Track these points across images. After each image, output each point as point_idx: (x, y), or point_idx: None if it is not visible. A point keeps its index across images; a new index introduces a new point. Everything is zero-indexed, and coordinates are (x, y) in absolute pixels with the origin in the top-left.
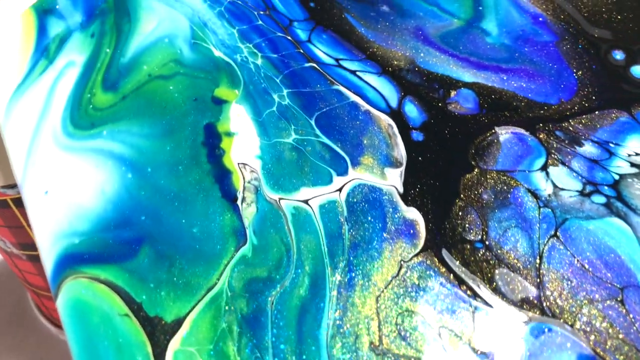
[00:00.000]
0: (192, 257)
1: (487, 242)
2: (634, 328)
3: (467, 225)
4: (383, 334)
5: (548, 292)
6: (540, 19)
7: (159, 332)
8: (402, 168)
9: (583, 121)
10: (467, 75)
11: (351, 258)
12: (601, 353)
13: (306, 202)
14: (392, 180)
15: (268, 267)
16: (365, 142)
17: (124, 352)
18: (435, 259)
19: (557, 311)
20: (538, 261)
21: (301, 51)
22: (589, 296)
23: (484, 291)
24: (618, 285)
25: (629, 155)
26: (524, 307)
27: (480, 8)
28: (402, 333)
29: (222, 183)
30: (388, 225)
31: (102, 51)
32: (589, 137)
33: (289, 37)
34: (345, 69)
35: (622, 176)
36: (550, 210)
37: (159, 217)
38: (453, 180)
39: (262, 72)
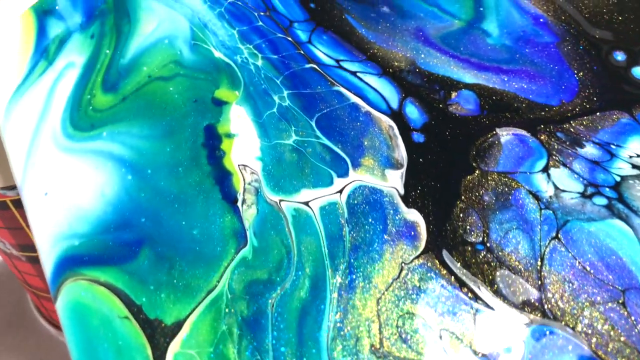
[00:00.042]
0: (192, 259)
1: (488, 244)
2: (636, 330)
3: (468, 227)
4: (384, 336)
5: (549, 294)
6: (541, 19)
7: (159, 335)
8: (403, 169)
9: (584, 122)
10: (468, 77)
11: (352, 260)
12: (603, 356)
13: (307, 203)
14: (393, 182)
15: (268, 269)
16: (366, 143)
17: (124, 355)
18: (436, 261)
19: (559, 313)
20: (539, 263)
21: (301, 52)
22: (590, 298)
23: (485, 293)
24: (620, 288)
25: (630, 157)
26: (525, 309)
27: (481, 9)
28: (403, 335)
29: (223, 185)
30: (389, 227)
31: (102, 52)
32: (590, 139)
33: (290, 38)
34: (345, 70)
35: (623, 178)
36: (551, 212)
37: (159, 218)
38: (454, 181)
39: (263, 73)
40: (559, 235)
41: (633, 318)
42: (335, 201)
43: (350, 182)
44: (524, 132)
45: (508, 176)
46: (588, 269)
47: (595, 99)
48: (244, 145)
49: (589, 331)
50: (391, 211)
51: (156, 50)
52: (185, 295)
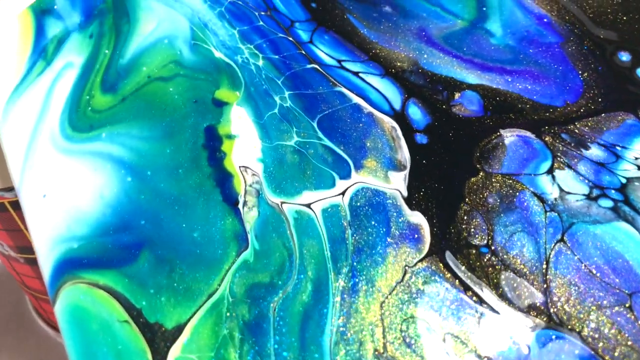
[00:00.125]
0: (193, 262)
1: (492, 247)
2: None
3: (472, 230)
4: (387, 340)
5: (555, 298)
6: (545, 19)
7: (159, 339)
8: (406, 171)
9: (589, 124)
10: (472, 77)
11: (355, 263)
12: None
13: (309, 206)
14: (396, 184)
15: (270, 273)
16: (368, 144)
17: None
18: (440, 264)
19: (565, 317)
20: (545, 266)
21: (303, 52)
22: (596, 302)
23: (489, 297)
24: (626, 291)
25: (636, 159)
26: (531, 313)
27: (484, 9)
28: (407, 340)
29: (223, 186)
30: (392, 229)
31: (101, 52)
32: (595, 140)
33: (291, 38)
34: (347, 70)
35: (629, 180)
36: (556, 214)
37: (159, 221)
38: (458, 183)
39: (264, 73)
40: (565, 238)
41: None
42: (337, 203)
43: (353, 184)
44: (528, 134)
45: (512, 178)
46: (594, 272)
47: (600, 99)
48: (245, 146)
49: (596, 335)
50: (394, 213)
51: (156, 50)
52: (185, 299)
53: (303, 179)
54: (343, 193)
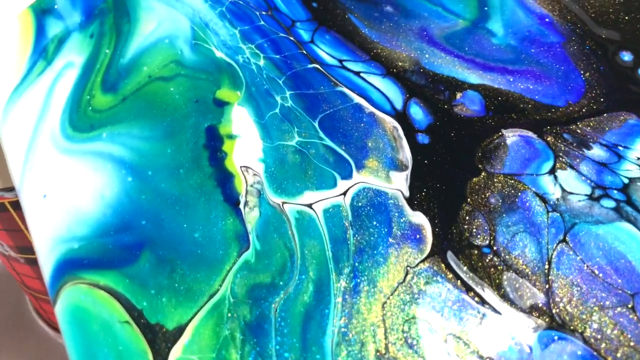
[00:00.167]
0: (194, 263)
1: (494, 247)
2: None
3: (474, 230)
4: (389, 341)
5: (557, 299)
6: (547, 19)
7: (160, 340)
8: (408, 171)
9: (591, 124)
10: (473, 77)
11: (356, 264)
12: None
13: (310, 206)
14: (398, 184)
15: (271, 273)
16: (369, 144)
17: None
18: (442, 265)
19: (567, 318)
20: (547, 267)
21: (304, 52)
22: (599, 303)
23: (491, 297)
24: (629, 292)
25: (638, 159)
26: (533, 314)
27: (486, 8)
28: (409, 341)
29: (224, 187)
30: (394, 230)
31: (102, 52)
32: (598, 140)
33: (292, 38)
34: (349, 70)
35: (631, 180)
36: (558, 214)
37: (160, 221)
38: (460, 183)
39: (265, 73)
40: (567, 239)
41: None
42: (339, 203)
43: (354, 184)
44: (530, 134)
45: (514, 178)
46: (596, 272)
47: (602, 99)
48: (246, 146)
49: (598, 336)
50: (396, 214)
51: (156, 50)
52: (186, 300)
53: (304, 179)
54: (344, 193)
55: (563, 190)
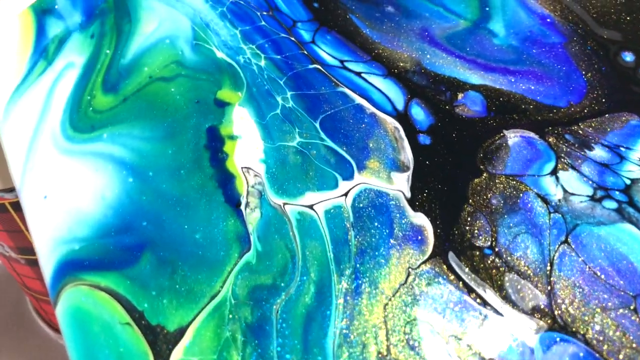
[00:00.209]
0: (195, 264)
1: (496, 249)
2: None
3: (476, 231)
4: (391, 343)
5: (559, 300)
6: (548, 19)
7: (161, 342)
8: (409, 172)
9: (593, 124)
10: (475, 77)
11: (358, 265)
12: None
13: (311, 207)
14: (399, 185)
15: (273, 274)
16: (371, 145)
17: None
18: (444, 266)
19: (569, 320)
20: (549, 268)
21: (305, 52)
22: (601, 304)
23: (493, 299)
24: (631, 293)
25: None
26: (535, 315)
27: (487, 9)
28: (411, 342)
29: (225, 187)
30: (395, 231)
31: (102, 52)
32: (599, 141)
33: (293, 38)
34: (350, 70)
35: (633, 181)
36: (560, 215)
37: (161, 222)
38: (461, 184)
39: (266, 73)
40: (569, 240)
41: None
42: (340, 204)
43: (356, 185)
44: (531, 135)
45: (516, 179)
46: (598, 274)
47: (603, 100)
48: (247, 147)
49: (600, 338)
50: (397, 215)
51: (157, 50)
52: (188, 301)
53: (305, 180)
54: (346, 194)
55: (565, 191)
